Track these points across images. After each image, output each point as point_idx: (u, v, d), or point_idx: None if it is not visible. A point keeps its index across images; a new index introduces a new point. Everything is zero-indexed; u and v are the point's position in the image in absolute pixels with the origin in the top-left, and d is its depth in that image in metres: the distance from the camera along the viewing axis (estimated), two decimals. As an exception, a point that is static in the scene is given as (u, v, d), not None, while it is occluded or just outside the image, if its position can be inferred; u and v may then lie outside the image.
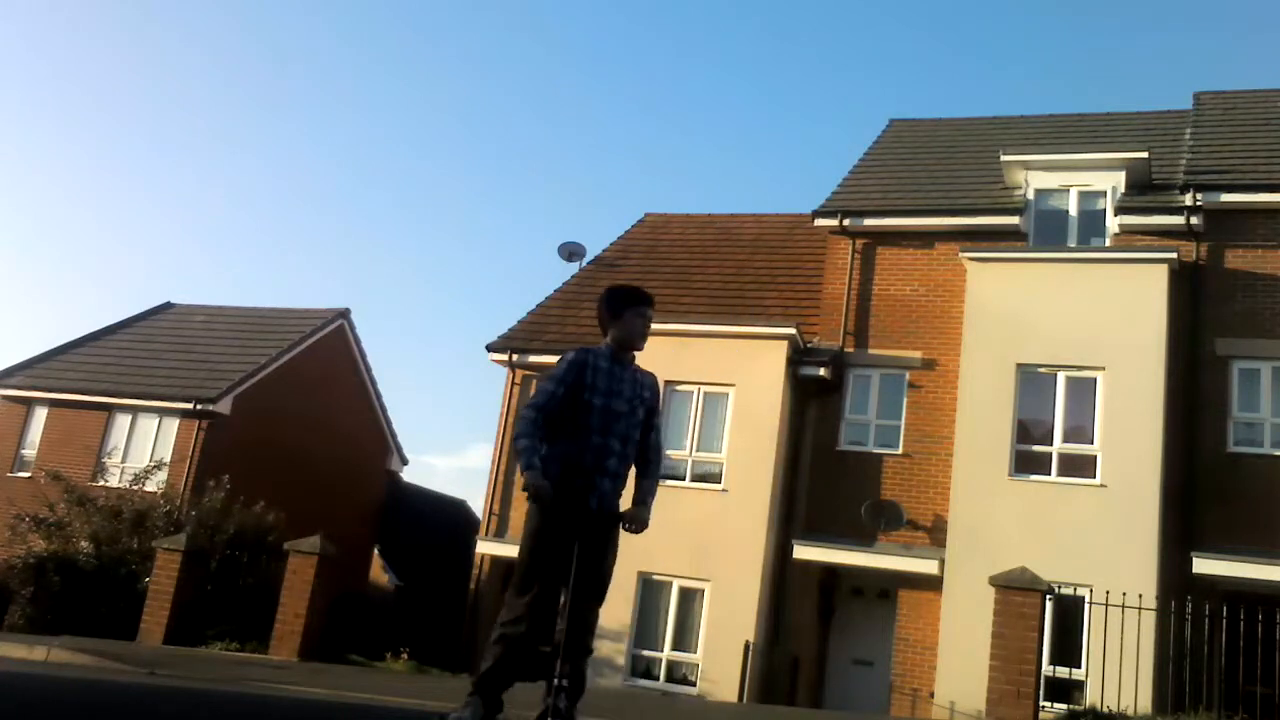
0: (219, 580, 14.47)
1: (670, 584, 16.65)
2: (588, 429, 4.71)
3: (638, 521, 4.71)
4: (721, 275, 21.23)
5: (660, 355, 18.24)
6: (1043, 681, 10.90)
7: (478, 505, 24.86)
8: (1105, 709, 11.43)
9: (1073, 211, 16.95)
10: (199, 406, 22.22)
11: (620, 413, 4.80)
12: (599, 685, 16.38)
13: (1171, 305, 15.14)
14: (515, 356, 19.82)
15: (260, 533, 16.00)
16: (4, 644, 10.43)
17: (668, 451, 17.51)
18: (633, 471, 4.93)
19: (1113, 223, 16.53)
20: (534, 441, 4.62)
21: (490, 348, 20.15)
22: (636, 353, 4.99)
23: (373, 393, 27.51)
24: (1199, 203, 15.82)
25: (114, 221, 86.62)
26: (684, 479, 17.00)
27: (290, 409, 23.82)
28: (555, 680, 4.50)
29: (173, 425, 22.61)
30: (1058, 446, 15.15)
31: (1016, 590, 10.51)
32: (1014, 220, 16.97)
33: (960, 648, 13.99)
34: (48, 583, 15.67)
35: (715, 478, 16.94)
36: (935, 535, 15.82)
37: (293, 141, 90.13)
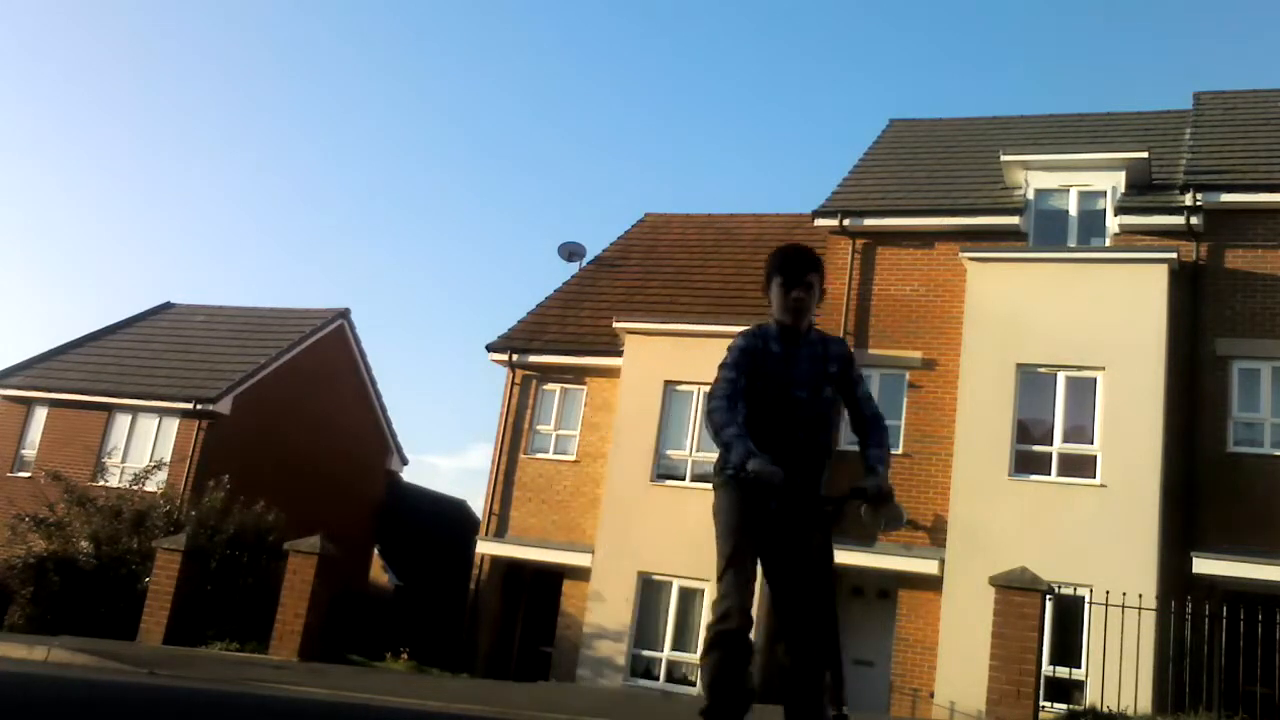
0: (219, 580, 14.45)
1: (670, 584, 16.65)
2: (765, 422, 4.05)
3: (880, 497, 3.98)
4: (721, 275, 21.24)
5: (660, 355, 18.41)
6: (1043, 681, 10.89)
7: (478, 505, 24.91)
8: (1105, 709, 11.42)
9: (1073, 211, 16.95)
10: (199, 406, 22.23)
11: (800, 400, 4.11)
12: (599, 685, 16.39)
13: (1171, 305, 15.14)
14: (515, 356, 19.85)
15: (260, 533, 15.98)
16: (4, 644, 10.42)
17: (668, 451, 17.51)
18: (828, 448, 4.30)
19: (1113, 223, 16.52)
20: (742, 429, 3.92)
21: (490, 348, 20.18)
22: (814, 322, 4.24)
23: (373, 393, 27.53)
24: (1199, 203, 15.82)
25: (114, 221, 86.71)
26: (684, 479, 17.01)
27: (290, 409, 23.83)
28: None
29: (173, 425, 22.63)
30: (1058, 446, 15.15)
31: (1016, 590, 10.50)
32: (1014, 220, 16.97)
33: (960, 648, 13.99)
34: (47, 583, 15.65)
35: (715, 478, 16.91)
36: (935, 535, 15.82)
37: (293, 141, 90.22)
